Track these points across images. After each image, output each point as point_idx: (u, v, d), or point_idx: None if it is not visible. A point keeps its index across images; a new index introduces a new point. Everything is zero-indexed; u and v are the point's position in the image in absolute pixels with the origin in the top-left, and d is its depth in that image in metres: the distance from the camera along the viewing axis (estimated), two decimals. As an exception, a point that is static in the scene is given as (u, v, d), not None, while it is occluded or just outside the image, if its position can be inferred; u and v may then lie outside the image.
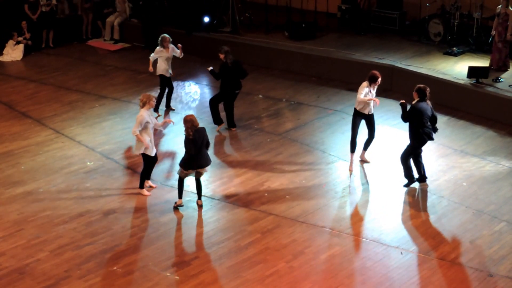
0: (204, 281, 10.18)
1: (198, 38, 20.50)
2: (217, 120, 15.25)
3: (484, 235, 11.26)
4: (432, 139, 12.42)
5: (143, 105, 12.06)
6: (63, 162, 13.88)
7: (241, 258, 10.70)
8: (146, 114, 12.01)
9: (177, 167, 13.17)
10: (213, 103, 15.18)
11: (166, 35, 15.89)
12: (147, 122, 12.00)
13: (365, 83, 12.98)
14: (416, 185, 12.70)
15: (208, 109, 16.09)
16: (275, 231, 11.44)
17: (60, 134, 15.15)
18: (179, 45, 15.89)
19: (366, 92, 12.93)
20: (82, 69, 19.47)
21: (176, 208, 12.08)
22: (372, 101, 12.97)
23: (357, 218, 11.94)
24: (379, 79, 12.96)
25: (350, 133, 13.39)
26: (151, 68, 16.06)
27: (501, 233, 11.33)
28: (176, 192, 12.34)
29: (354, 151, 13.47)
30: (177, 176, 12.41)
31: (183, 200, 12.16)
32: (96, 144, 14.67)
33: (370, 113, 13.19)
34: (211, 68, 14.98)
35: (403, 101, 12.45)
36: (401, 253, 10.82)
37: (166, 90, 16.19)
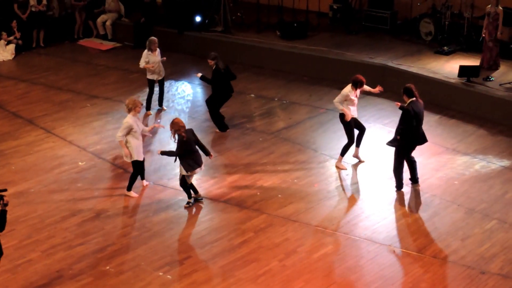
0: (196, 280, 10.17)
1: (190, 38, 20.48)
2: (222, 127, 15.18)
3: (475, 233, 11.30)
4: (426, 141, 12.42)
5: (129, 111, 12.04)
6: (54, 162, 13.84)
7: (234, 257, 10.70)
8: (132, 120, 11.98)
9: (170, 167, 13.19)
10: (214, 111, 15.10)
11: (154, 38, 15.80)
12: (132, 129, 11.99)
13: (348, 87, 13.00)
14: (408, 184, 12.70)
15: (200, 109, 16.16)
16: (267, 230, 11.45)
17: (51, 134, 15.10)
18: (164, 58, 15.85)
19: (344, 95, 12.96)
20: (73, 69, 19.40)
21: (189, 206, 12.08)
22: (354, 105, 13.02)
23: (349, 217, 11.95)
24: (364, 86, 13.02)
25: (342, 132, 13.37)
26: (151, 66, 15.82)
27: (492, 231, 11.37)
28: (168, 191, 12.43)
29: (344, 155, 13.47)
30: (169, 175, 12.47)
31: (177, 199, 12.17)
32: (87, 144, 14.64)
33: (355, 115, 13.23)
34: (200, 74, 14.92)
35: (398, 103, 12.45)
36: (394, 252, 10.84)
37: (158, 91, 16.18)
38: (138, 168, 12.37)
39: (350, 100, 13.02)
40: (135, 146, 12.06)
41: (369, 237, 11.23)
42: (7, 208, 8.78)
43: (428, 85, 16.06)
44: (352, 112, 13.13)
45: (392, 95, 16.23)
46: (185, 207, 12.11)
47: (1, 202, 8.71)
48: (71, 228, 11.49)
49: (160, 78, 15.93)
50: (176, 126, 11.62)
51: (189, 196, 12.13)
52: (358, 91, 13.09)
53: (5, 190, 8.83)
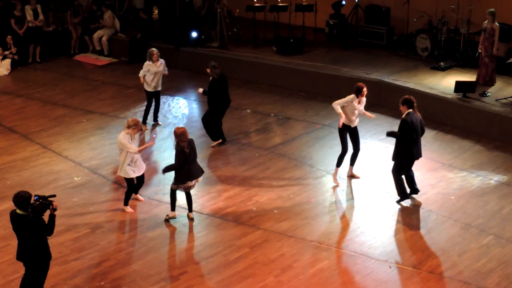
0: (192, 296, 10.14)
1: (186, 53, 20.52)
2: (214, 136, 15.19)
3: (472, 249, 11.27)
4: (420, 156, 12.43)
5: (127, 127, 11.96)
6: (50, 177, 13.80)
7: (230, 272, 10.66)
8: (124, 138, 11.94)
9: (165, 182, 13.16)
10: (206, 121, 15.10)
11: (154, 48, 15.88)
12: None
13: (352, 95, 12.99)
14: (407, 200, 12.68)
15: (196, 124, 16.14)
16: (263, 245, 11.41)
17: (47, 149, 15.07)
18: (166, 72, 15.94)
19: (346, 101, 12.93)
20: (69, 84, 19.40)
21: (167, 220, 12.04)
22: (354, 115, 12.99)
23: (345, 232, 11.92)
24: (364, 89, 12.96)
25: (338, 147, 13.35)
26: (142, 80, 15.91)
27: (489, 246, 11.34)
28: (164, 206, 12.36)
29: (340, 166, 13.44)
30: (165, 190, 12.38)
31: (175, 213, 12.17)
32: (83, 159, 14.60)
33: (354, 125, 13.18)
34: (201, 90, 14.95)
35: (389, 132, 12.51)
36: (390, 267, 10.80)
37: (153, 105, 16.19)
38: (131, 184, 12.33)
39: (353, 109, 12.98)
40: (126, 163, 12.00)
41: (365, 252, 11.19)
42: (55, 213, 9.22)
43: (425, 100, 16.06)
44: (354, 121, 13.10)
45: (389, 110, 16.27)
46: (165, 219, 12.09)
47: (51, 207, 9.06)
48: (66, 243, 11.44)
49: (157, 90, 15.95)
50: (182, 137, 11.57)
51: (173, 208, 12.07)
52: (362, 100, 13.01)
53: (54, 195, 9.19)
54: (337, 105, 13.00)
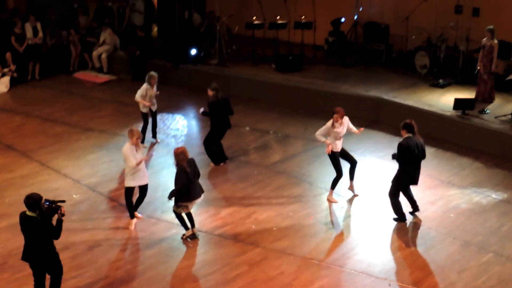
0: (190, 314, 10.09)
1: (185, 70, 20.55)
2: (215, 160, 15.15)
3: (472, 266, 11.22)
4: (415, 183, 12.40)
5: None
6: (48, 194, 13.54)
7: (228, 290, 10.63)
8: (127, 148, 11.97)
9: (164, 199, 13.12)
10: (207, 144, 15.05)
11: (154, 73, 15.79)
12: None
13: (329, 121, 13.00)
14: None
15: (195, 142, 16.16)
16: (262, 263, 11.36)
17: (46, 167, 15.04)
18: (158, 92, 15.84)
19: (328, 127, 12.93)
20: (68, 101, 19.42)
21: (186, 239, 11.97)
22: (337, 139, 12.98)
23: (344, 250, 11.87)
24: (341, 112, 12.91)
25: (337, 165, 13.34)
26: (148, 103, 15.81)
27: (489, 264, 11.30)
28: (163, 224, 12.34)
29: (334, 188, 13.40)
30: (164, 208, 12.34)
31: (171, 233, 12.09)
32: (81, 176, 14.58)
33: (338, 150, 13.16)
34: (202, 109, 14.92)
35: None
36: (389, 285, 10.75)
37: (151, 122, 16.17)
38: (127, 194, 12.28)
39: (335, 133, 12.98)
40: (130, 173, 12.02)
41: (365, 270, 11.14)
42: (63, 219, 9.47)
43: (424, 118, 16.08)
44: (338, 145, 13.09)
45: (388, 127, 16.25)
46: (182, 238, 12.03)
47: (59, 212, 9.36)
48: (64, 261, 11.26)
49: (153, 110, 15.95)
50: (181, 156, 11.54)
51: (185, 228, 12.02)
52: (341, 122, 12.97)
53: (64, 201, 9.53)
54: (319, 135, 13.05)
